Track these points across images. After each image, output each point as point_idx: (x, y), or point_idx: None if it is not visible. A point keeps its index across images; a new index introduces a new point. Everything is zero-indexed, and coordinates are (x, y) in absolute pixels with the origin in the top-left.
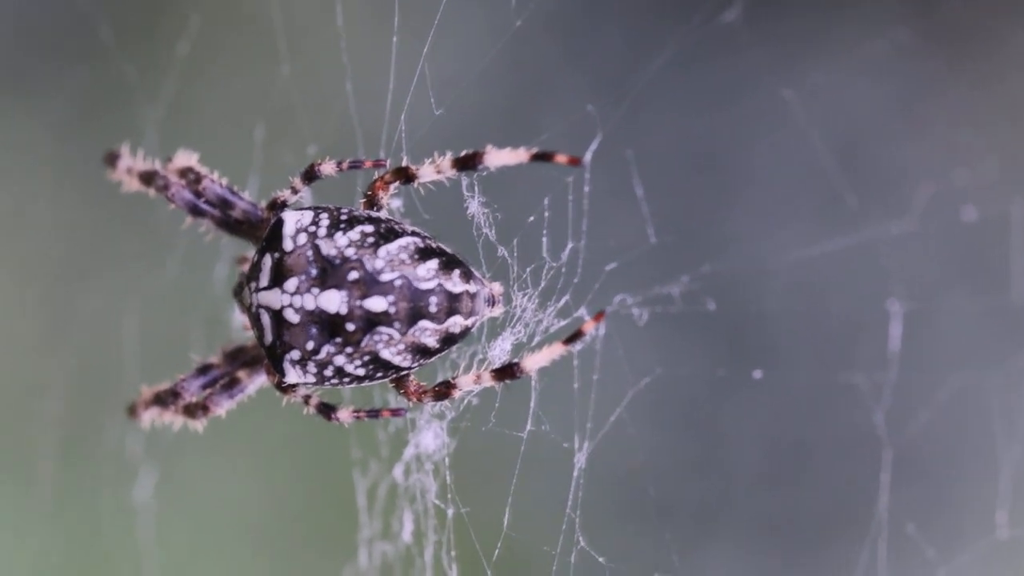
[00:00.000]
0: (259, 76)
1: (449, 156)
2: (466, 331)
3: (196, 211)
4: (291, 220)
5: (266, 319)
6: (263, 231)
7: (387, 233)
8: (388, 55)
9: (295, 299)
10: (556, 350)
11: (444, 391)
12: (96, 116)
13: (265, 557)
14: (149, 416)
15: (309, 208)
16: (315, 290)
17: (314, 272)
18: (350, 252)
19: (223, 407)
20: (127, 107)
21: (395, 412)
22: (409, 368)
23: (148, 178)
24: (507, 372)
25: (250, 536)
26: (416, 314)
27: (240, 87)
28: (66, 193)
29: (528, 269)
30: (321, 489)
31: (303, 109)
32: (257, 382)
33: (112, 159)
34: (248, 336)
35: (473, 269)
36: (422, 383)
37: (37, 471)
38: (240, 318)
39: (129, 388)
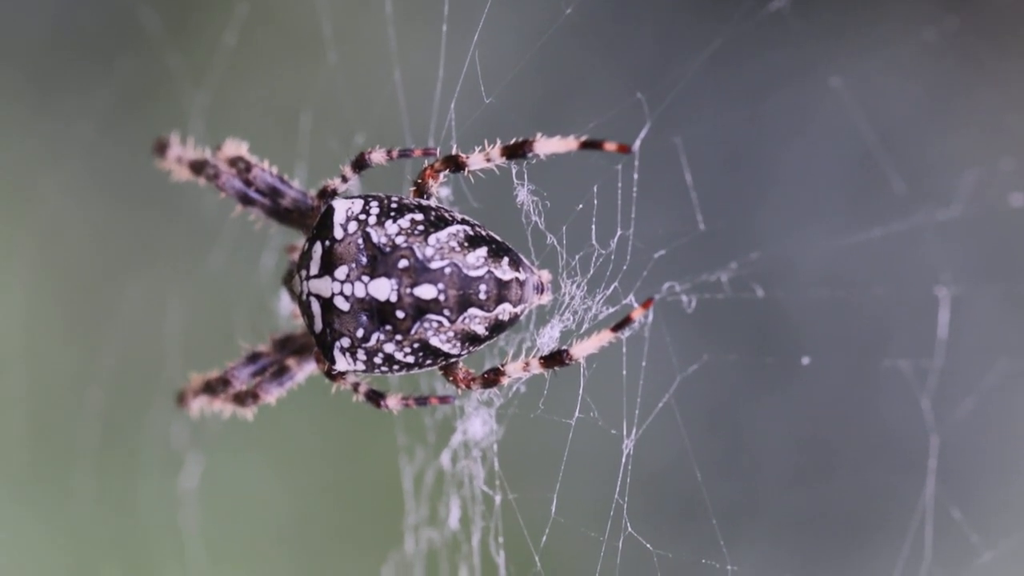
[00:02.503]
0: (306, 64)
1: (499, 144)
2: (515, 318)
3: (246, 200)
4: (341, 208)
5: (316, 307)
6: (313, 219)
7: (437, 221)
8: (436, 44)
9: (345, 287)
10: (605, 337)
11: (493, 378)
12: (141, 105)
13: (311, 544)
14: (198, 404)
15: (359, 196)
16: (365, 278)
17: (364, 260)
18: (400, 240)
19: (273, 395)
20: (172, 95)
21: (443, 399)
22: (458, 355)
23: (198, 167)
24: (556, 359)
25: (296, 523)
26: (465, 302)
27: (286, 75)
28: (110, 183)
29: (577, 257)
30: (368, 477)
31: (350, 97)
32: (306, 370)
33: (161, 148)
34: (297, 324)
35: (522, 257)
36: (470, 370)
37: (79, 461)
38: (286, 306)
39: (173, 378)
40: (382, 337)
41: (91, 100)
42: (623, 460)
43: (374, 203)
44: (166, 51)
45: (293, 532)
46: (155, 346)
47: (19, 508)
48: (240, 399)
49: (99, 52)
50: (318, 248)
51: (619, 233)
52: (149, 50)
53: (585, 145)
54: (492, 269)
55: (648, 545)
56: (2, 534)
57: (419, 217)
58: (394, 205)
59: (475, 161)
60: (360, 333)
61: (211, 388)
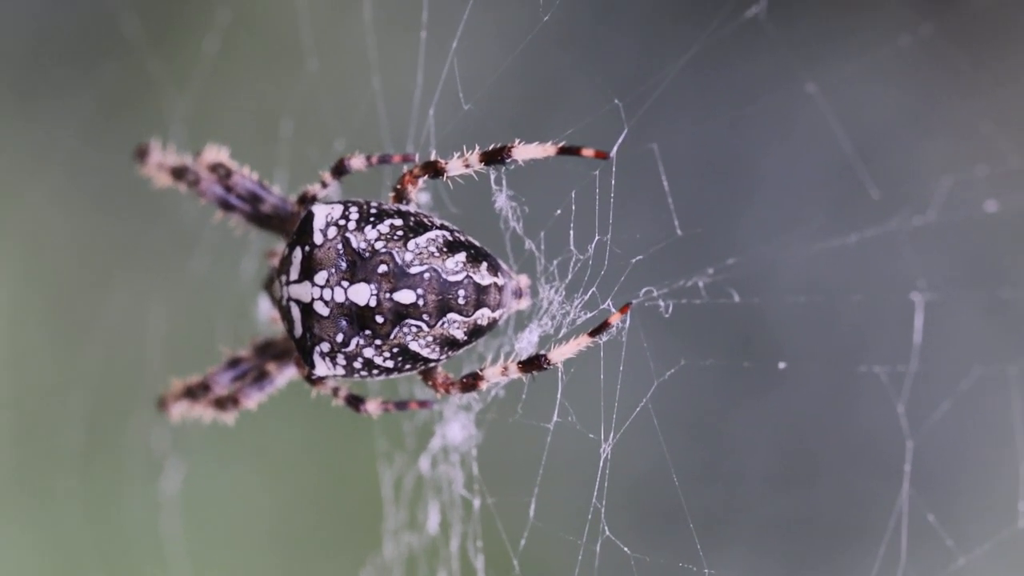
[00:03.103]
0: (286, 71)
1: (477, 150)
2: (493, 323)
3: (227, 206)
4: (321, 214)
5: (296, 312)
6: (293, 225)
7: (416, 226)
8: (414, 52)
9: (325, 292)
10: (582, 342)
11: (471, 383)
12: (122, 113)
13: (291, 548)
14: (179, 409)
15: (339, 202)
16: (345, 283)
17: (344, 265)
18: (380, 245)
19: (253, 400)
20: (153, 103)
21: (422, 404)
22: (437, 360)
23: (179, 173)
24: (534, 364)
25: (276, 528)
26: (444, 306)
27: (267, 82)
28: (91, 190)
29: (555, 262)
30: (347, 481)
31: (330, 104)
32: (287, 375)
33: (142, 154)
34: (277, 329)
35: (501, 262)
36: (449, 375)
37: (62, 466)
38: (265, 312)
39: (155, 384)
40: (362, 342)
41: (72, 106)
42: (601, 464)
43: (354, 208)
44: (147, 58)
45: (273, 537)
46: (137, 352)
47: (0, 512)
48: (221, 404)
49: (80, 59)
50: (298, 253)
51: (597, 238)
52: (130, 57)
53: (563, 151)
54: (471, 274)
55: (626, 549)
56: None
57: (398, 222)
58: (373, 210)
59: (454, 167)
60: (340, 338)
61: (192, 393)
